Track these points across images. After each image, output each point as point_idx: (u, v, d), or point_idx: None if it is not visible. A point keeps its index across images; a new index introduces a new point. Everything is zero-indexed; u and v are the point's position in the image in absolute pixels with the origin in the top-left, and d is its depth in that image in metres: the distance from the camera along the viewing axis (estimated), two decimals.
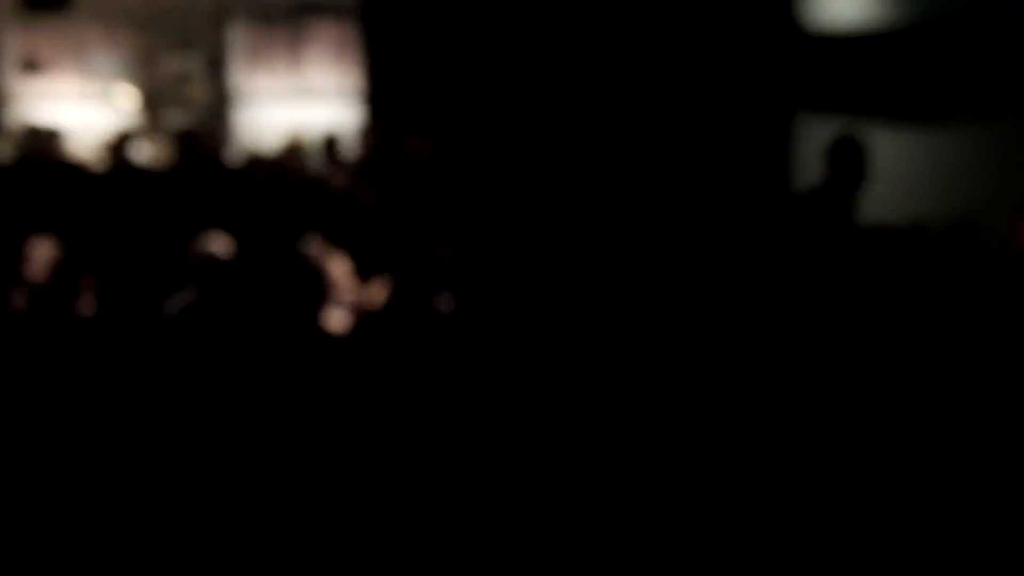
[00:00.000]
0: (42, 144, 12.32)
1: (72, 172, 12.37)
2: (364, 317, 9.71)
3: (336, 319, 9.45)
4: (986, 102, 11.75)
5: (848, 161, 10.45)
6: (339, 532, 7.87)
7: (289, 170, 12.13)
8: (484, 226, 7.70)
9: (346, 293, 9.87)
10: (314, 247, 9.67)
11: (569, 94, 7.07)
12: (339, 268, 9.65)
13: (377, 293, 9.96)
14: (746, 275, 9.01)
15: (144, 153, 13.47)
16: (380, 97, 15.46)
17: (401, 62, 14.74)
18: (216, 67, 16.56)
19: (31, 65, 16.78)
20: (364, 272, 10.05)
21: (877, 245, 10.41)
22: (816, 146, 10.61)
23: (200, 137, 11.94)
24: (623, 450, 7.95)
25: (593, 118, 7.17)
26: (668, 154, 7.37)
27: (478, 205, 7.63)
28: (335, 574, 7.74)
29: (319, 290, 9.49)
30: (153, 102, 16.78)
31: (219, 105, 16.60)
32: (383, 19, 15.37)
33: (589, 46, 7.00)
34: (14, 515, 7.94)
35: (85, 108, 17.29)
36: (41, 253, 10.31)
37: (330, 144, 12.88)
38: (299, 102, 16.83)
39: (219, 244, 9.59)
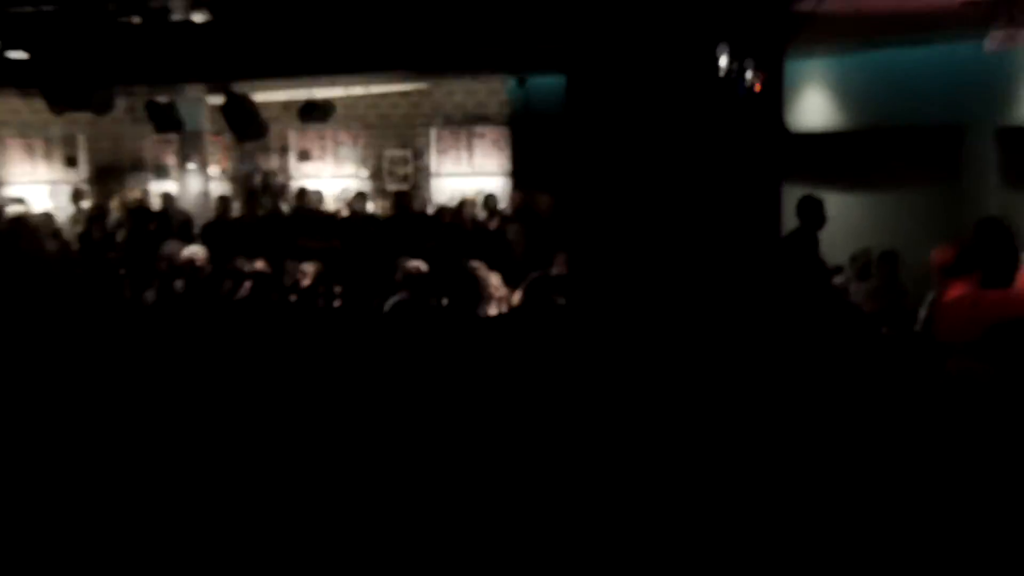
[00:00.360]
0: (309, 201, 12.08)
1: (328, 219, 12.19)
2: (510, 310, 9.68)
3: (492, 311, 9.58)
4: (904, 178, 12.17)
5: (811, 212, 10.59)
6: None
7: (463, 217, 11.89)
8: (584, 251, 7.63)
9: (499, 296, 9.88)
10: (478, 266, 9.30)
11: (633, 173, 7.03)
12: (494, 280, 9.94)
13: (517, 295, 9.95)
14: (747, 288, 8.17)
15: (372, 207, 13.28)
16: (519, 172, 15.34)
17: (532, 151, 14.58)
18: (419, 155, 16.38)
19: (304, 155, 16.56)
20: (510, 282, 10.11)
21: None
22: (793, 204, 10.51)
23: (408, 197, 11.91)
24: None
25: (652, 187, 7.07)
26: (702, 212, 7.30)
27: (581, 238, 7.63)
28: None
29: (480, 294, 9.53)
30: (379, 176, 16.53)
31: (421, 178, 16.26)
32: (522, 126, 15.04)
33: (648, 148, 7.00)
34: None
35: (337, 181, 16.39)
36: (308, 270, 9.50)
37: (488, 200, 12.86)
38: (470, 177, 16.14)
39: (418, 263, 9.07)
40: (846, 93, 12.59)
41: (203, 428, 7.31)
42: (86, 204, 16.95)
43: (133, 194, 17.54)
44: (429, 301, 9.56)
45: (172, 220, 13.94)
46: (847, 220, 12.18)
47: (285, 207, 15.23)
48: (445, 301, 9.79)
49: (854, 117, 12.66)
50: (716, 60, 7.42)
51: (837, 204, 11.53)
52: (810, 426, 6.71)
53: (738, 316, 7.96)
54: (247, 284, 9.85)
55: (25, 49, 10.88)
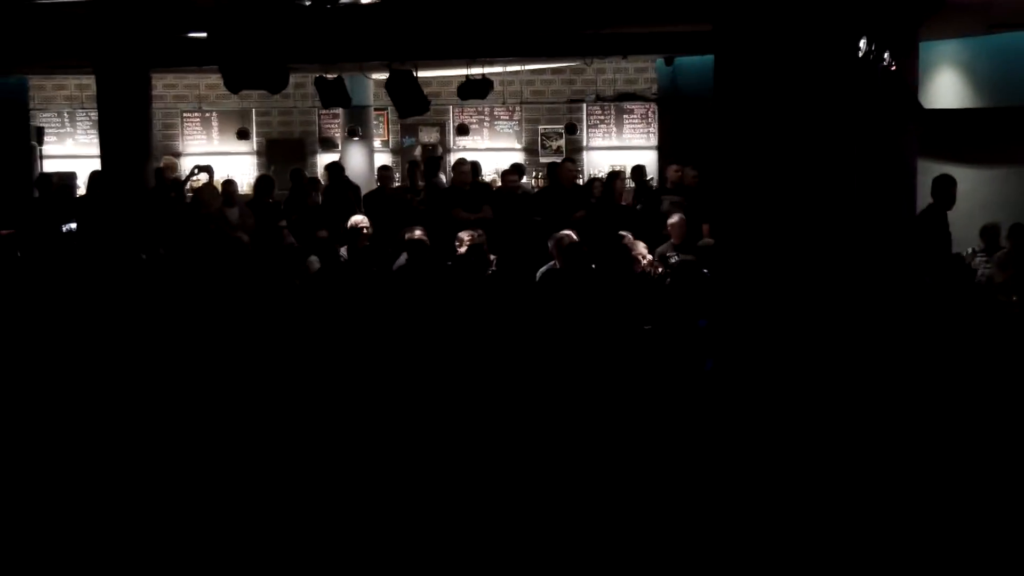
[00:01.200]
0: (465, 172, 12.15)
1: (484, 190, 12.27)
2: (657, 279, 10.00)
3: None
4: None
5: (944, 191, 10.57)
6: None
7: (614, 189, 11.91)
8: (729, 225, 7.63)
9: (646, 264, 10.10)
10: (626, 235, 9.38)
11: (776, 150, 7.06)
12: (641, 248, 10.27)
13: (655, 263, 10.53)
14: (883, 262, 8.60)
15: (526, 178, 13.47)
16: (666, 147, 15.39)
17: (678, 127, 14.68)
18: (571, 130, 16.62)
19: (463, 130, 16.84)
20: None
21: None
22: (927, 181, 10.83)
23: (559, 169, 11.88)
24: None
25: (795, 164, 7.08)
26: (842, 188, 7.27)
27: (725, 212, 7.64)
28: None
29: (630, 259, 9.77)
30: (533, 150, 16.83)
31: (572, 152, 16.61)
32: (669, 103, 15.22)
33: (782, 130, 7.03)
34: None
35: (494, 154, 16.55)
36: (465, 238, 9.70)
37: (637, 171, 12.85)
38: (619, 151, 16.49)
39: (569, 233, 9.02)
40: (977, 73, 12.50)
41: (362, 392, 7.46)
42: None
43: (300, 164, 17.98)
44: (580, 269, 9.57)
45: (339, 189, 14.29)
46: (978, 195, 12.36)
47: (443, 178, 15.48)
48: (593, 269, 9.91)
49: (985, 96, 12.56)
50: (856, 42, 7.51)
51: (968, 179, 11.65)
52: (945, 400, 6.69)
53: (873, 288, 7.98)
54: (405, 252, 10.06)
55: (204, 29, 11.29)
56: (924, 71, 11.90)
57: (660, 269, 10.46)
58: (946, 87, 12.82)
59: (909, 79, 8.70)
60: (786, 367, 6.91)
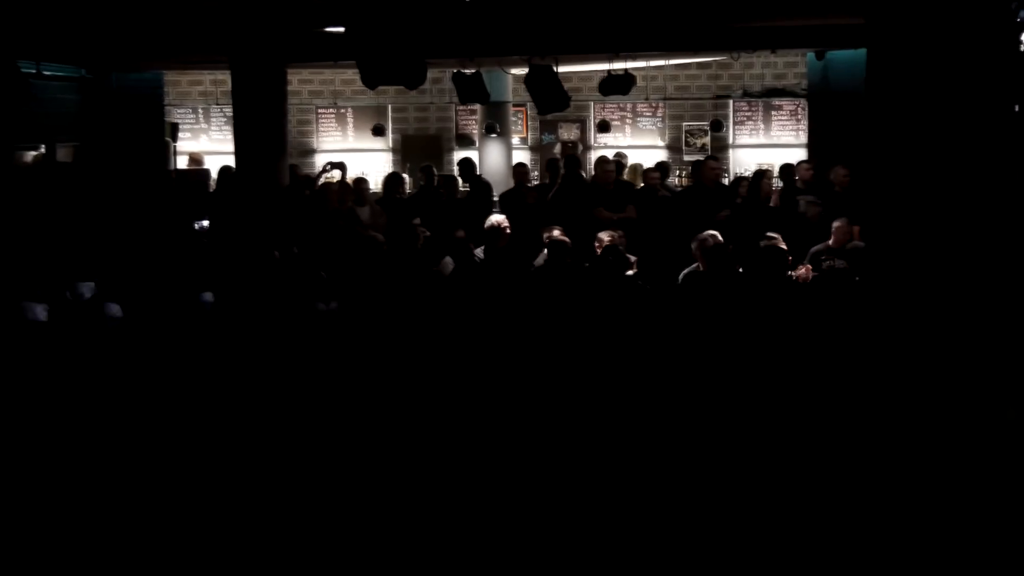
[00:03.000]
0: (609, 171, 12.15)
1: (625, 188, 12.27)
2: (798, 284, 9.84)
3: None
4: None
5: None
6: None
7: (760, 189, 11.81)
8: (882, 225, 7.47)
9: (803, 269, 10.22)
10: (776, 238, 9.35)
11: (933, 148, 6.91)
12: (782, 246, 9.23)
13: (802, 269, 10.30)
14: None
15: (671, 178, 13.45)
16: (816, 145, 15.25)
17: (830, 124, 14.53)
18: (717, 127, 16.59)
19: (604, 126, 16.88)
20: (796, 254, 10.42)
21: None
22: None
23: (703, 167, 11.86)
24: None
25: (952, 163, 6.93)
26: (1002, 189, 7.10)
27: (878, 212, 7.50)
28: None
29: (782, 266, 9.45)
30: (677, 147, 16.86)
31: (717, 150, 16.57)
32: (820, 99, 15.07)
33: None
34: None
35: (636, 152, 16.63)
36: (604, 238, 9.66)
37: (785, 170, 12.76)
38: (766, 148, 16.40)
39: (713, 234, 9.02)
40: None
41: (497, 394, 7.57)
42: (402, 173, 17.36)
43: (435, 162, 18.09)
44: (725, 272, 9.52)
45: (472, 188, 14.41)
46: None
47: (583, 176, 15.52)
48: (741, 272, 9.85)
49: None
50: (1018, 34, 7.38)
51: None
52: None
53: None
54: (544, 251, 10.10)
55: (342, 24, 11.46)
56: None
57: (812, 274, 10.23)
58: None
59: None
60: (940, 381, 6.74)
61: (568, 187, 13.83)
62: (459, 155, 19.53)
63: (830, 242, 11.26)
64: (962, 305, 6.80)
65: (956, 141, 6.82)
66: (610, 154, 16.25)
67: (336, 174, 14.27)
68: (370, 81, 10.82)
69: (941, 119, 6.86)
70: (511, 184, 14.84)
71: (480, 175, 14.86)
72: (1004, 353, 6.81)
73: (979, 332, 6.80)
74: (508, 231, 10.81)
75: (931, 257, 6.91)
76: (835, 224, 11.39)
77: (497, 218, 10.90)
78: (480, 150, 18.75)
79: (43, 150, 16.48)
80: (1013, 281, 7.08)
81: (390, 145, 20.47)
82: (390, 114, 20.48)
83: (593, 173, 13.93)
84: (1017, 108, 7.56)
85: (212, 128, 20.63)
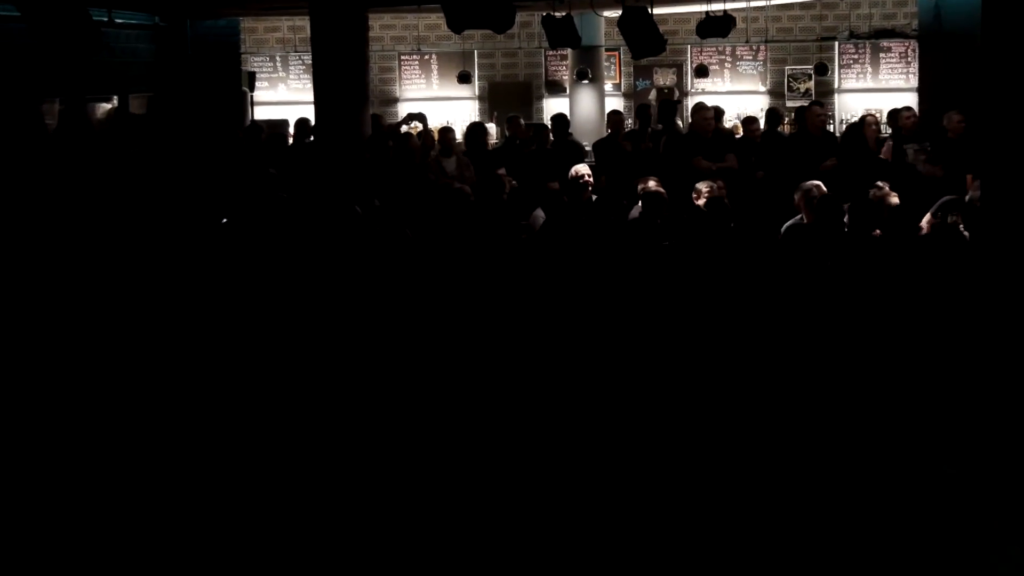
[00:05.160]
0: (707, 118, 12.06)
1: (725, 137, 12.25)
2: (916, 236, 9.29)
3: None
4: None
5: None
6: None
7: (865, 136, 11.69)
8: (998, 175, 7.36)
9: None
10: (882, 186, 9.17)
11: None
12: (894, 201, 9.60)
13: (925, 220, 9.68)
14: None
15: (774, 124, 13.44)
16: (928, 90, 15.10)
17: (943, 67, 14.37)
18: (822, 71, 16.43)
19: (702, 71, 16.84)
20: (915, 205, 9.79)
21: None
22: None
23: (807, 113, 11.78)
24: None
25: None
26: None
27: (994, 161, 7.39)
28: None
29: (880, 218, 9.12)
30: (779, 93, 16.79)
31: (822, 95, 16.51)
32: (933, 40, 14.86)
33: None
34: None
35: (736, 98, 16.56)
36: (703, 189, 9.60)
37: (893, 116, 12.59)
38: (874, 93, 16.27)
39: (817, 184, 8.86)
40: None
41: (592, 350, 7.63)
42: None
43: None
44: (831, 225, 9.43)
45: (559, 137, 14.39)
46: None
47: (681, 124, 15.43)
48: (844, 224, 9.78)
49: None
50: None
51: None
52: None
53: None
54: (638, 204, 10.08)
55: None
56: None
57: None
58: None
59: None
60: None
61: (664, 135, 13.78)
62: (549, 103, 19.56)
63: (973, 194, 10.75)
64: None
65: None
66: (709, 101, 16.11)
67: (417, 125, 14.33)
68: (456, 25, 10.81)
69: None
70: (604, 133, 14.82)
71: (571, 135, 14.83)
72: None
73: None
74: (591, 182, 10.76)
75: None
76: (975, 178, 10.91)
77: (581, 168, 10.86)
78: (571, 97, 18.74)
79: (116, 102, 16.60)
80: None
81: (477, 93, 20.55)
82: (477, 60, 20.55)
83: (690, 120, 13.93)
84: None
85: (291, 77, 20.88)
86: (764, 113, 15.29)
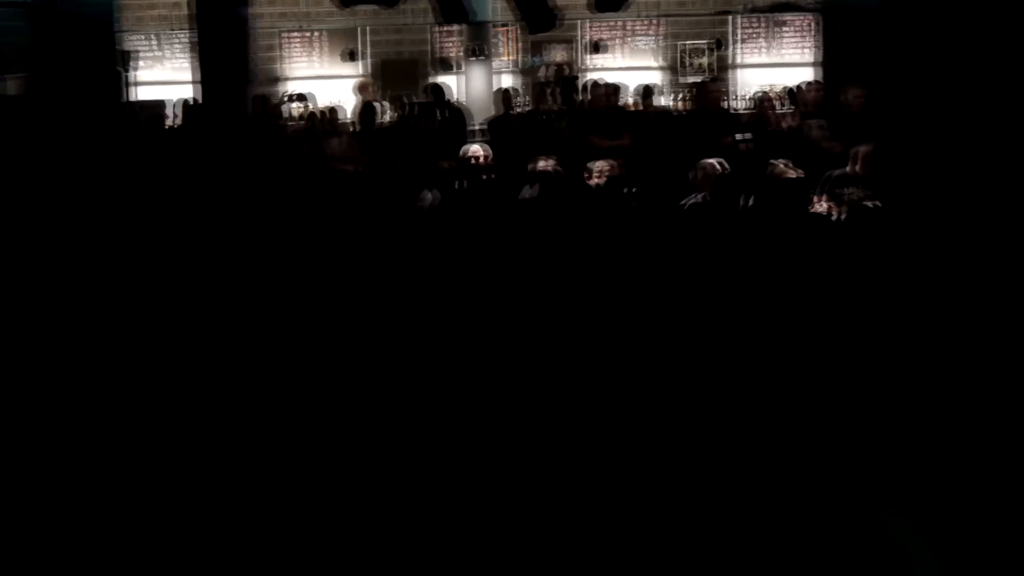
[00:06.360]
0: (601, 95, 12.10)
1: (621, 114, 12.24)
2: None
3: None
4: None
5: None
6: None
7: (764, 113, 11.83)
8: (899, 148, 7.48)
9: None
10: (782, 164, 9.42)
11: (952, 66, 6.90)
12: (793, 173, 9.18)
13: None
14: None
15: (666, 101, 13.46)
16: (830, 64, 15.25)
17: (844, 41, 14.52)
18: (719, 46, 16.34)
19: (597, 47, 16.80)
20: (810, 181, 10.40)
21: None
22: None
23: (707, 90, 11.86)
24: None
25: (971, 81, 6.92)
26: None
27: (892, 130, 7.50)
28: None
29: (782, 195, 9.33)
30: (674, 68, 16.67)
31: (720, 71, 16.36)
32: (835, 13, 15.00)
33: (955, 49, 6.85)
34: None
35: (632, 74, 16.55)
36: (600, 168, 9.58)
37: (793, 92, 12.78)
38: (774, 69, 16.29)
39: (718, 161, 8.98)
40: None
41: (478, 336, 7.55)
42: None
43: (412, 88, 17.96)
44: (728, 202, 9.49)
45: (450, 115, 14.31)
46: None
47: (575, 102, 15.46)
48: (744, 203, 9.83)
49: None
50: None
51: None
52: None
53: None
54: (535, 184, 10.06)
55: None
56: None
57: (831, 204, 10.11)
58: None
59: None
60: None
61: (559, 113, 13.78)
62: (440, 80, 19.46)
63: (849, 169, 10.91)
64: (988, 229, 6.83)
65: (976, 59, 6.79)
66: (604, 77, 16.11)
67: (299, 106, 14.17)
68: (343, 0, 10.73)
69: (962, 35, 6.83)
70: (496, 111, 14.80)
71: (448, 101, 14.77)
72: None
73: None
74: (487, 162, 10.73)
75: (949, 178, 6.90)
76: (861, 149, 11.06)
77: (474, 148, 10.82)
78: (463, 75, 18.66)
79: None
80: None
81: (364, 71, 20.32)
82: (364, 37, 20.34)
83: (586, 98, 13.94)
84: None
85: (171, 56, 20.49)
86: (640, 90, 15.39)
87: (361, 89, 16.38)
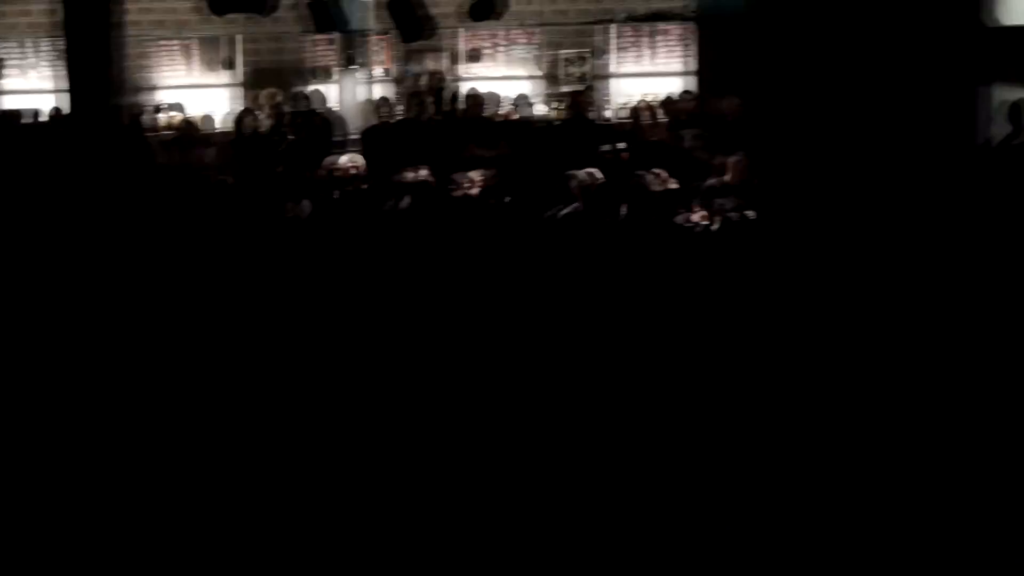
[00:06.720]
0: (478, 105, 12.16)
1: (498, 124, 12.32)
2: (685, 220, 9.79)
3: None
4: None
5: (1019, 119, 10.79)
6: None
7: (640, 122, 11.92)
8: (772, 158, 7.62)
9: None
10: (660, 173, 9.47)
11: (823, 75, 7.04)
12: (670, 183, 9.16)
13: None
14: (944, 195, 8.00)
15: (544, 109, 13.56)
16: (706, 73, 15.38)
17: (721, 51, 14.69)
18: (598, 55, 16.45)
19: (474, 56, 16.80)
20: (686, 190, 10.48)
21: None
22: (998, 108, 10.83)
23: (584, 99, 11.93)
24: None
25: (843, 90, 7.05)
26: (895, 116, 7.22)
27: (766, 139, 7.66)
28: None
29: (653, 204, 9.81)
30: (553, 78, 16.73)
31: (599, 79, 16.46)
32: (711, 23, 15.16)
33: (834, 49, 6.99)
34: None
35: (510, 83, 16.46)
36: (476, 178, 9.68)
37: (669, 101, 12.91)
38: (652, 78, 16.41)
39: (593, 171, 9.00)
40: None
41: (357, 345, 7.63)
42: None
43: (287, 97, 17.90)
44: (604, 212, 9.57)
45: (323, 124, 14.25)
46: None
47: (452, 111, 15.49)
48: (618, 213, 9.93)
49: None
50: None
51: None
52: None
53: (934, 226, 7.84)
54: (409, 195, 10.09)
55: None
56: None
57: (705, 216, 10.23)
58: None
59: None
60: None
61: (436, 123, 13.82)
62: (315, 89, 19.40)
63: (726, 178, 11.04)
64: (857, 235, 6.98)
65: (844, 64, 6.94)
66: (482, 86, 16.28)
67: (174, 115, 14.06)
68: (218, 8, 10.67)
69: (828, 44, 6.96)
70: (373, 120, 14.77)
71: (314, 111, 14.71)
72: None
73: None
74: (361, 172, 10.73)
75: (821, 186, 7.03)
76: (732, 159, 11.26)
77: (344, 158, 10.81)
78: (339, 83, 18.55)
79: None
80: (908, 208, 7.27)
81: (241, 80, 20.16)
82: (240, 46, 20.20)
83: (464, 107, 13.97)
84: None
85: (42, 64, 20.11)
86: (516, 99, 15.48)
87: (268, 98, 16.26)
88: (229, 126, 16.22)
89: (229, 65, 19.51)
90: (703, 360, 7.24)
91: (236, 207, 9.78)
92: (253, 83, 20.07)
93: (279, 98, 16.61)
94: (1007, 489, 5.70)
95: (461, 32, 19.70)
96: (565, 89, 18.83)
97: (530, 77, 19.60)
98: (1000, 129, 10.71)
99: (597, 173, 9.89)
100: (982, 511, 5.53)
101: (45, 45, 19.78)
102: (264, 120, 16.32)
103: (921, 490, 5.72)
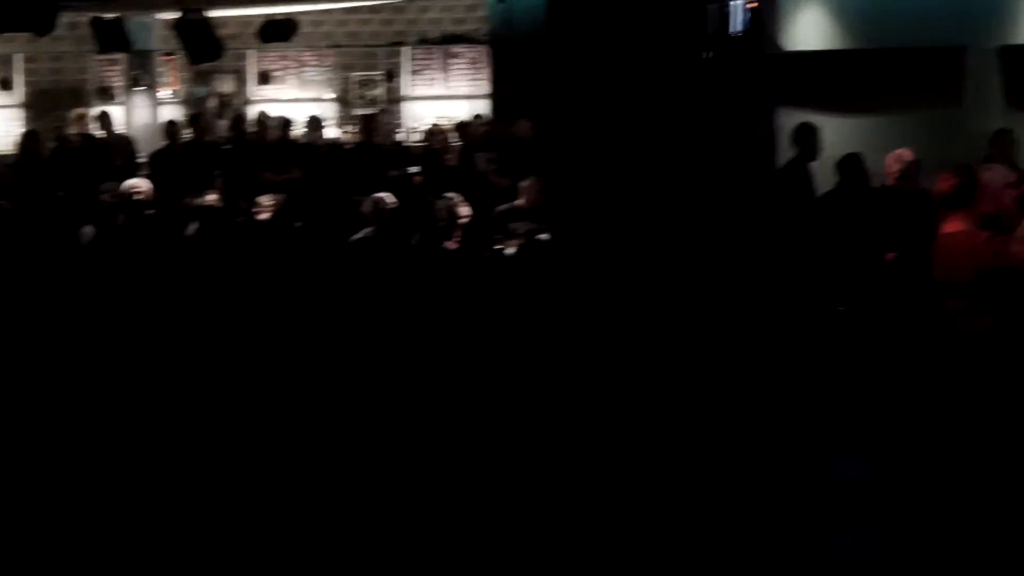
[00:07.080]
0: (273, 128, 12.04)
1: (289, 147, 12.18)
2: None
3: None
4: (904, 101, 12.12)
5: (806, 141, 10.96)
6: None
7: (434, 146, 11.89)
8: (563, 180, 7.67)
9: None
10: (454, 197, 9.40)
11: (614, 98, 7.09)
12: (465, 212, 9.88)
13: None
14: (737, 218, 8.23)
15: (336, 132, 13.46)
16: (500, 96, 15.50)
17: (514, 73, 14.80)
18: (391, 77, 16.47)
19: (265, 78, 16.70)
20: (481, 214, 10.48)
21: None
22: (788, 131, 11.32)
23: (377, 122, 11.87)
24: None
25: (634, 113, 7.11)
26: (687, 138, 7.31)
27: (559, 161, 7.73)
28: None
29: (450, 230, 9.53)
30: (345, 100, 16.68)
31: (392, 102, 16.48)
32: (504, 46, 15.29)
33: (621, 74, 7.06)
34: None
35: (301, 105, 16.49)
36: (266, 203, 9.56)
37: (463, 125, 12.89)
38: (445, 101, 16.47)
39: (386, 196, 8.92)
40: (845, 12, 12.60)
41: (142, 380, 7.37)
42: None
43: (72, 119, 17.53)
44: (397, 236, 9.53)
45: (110, 147, 13.95)
46: (846, 145, 12.32)
47: (242, 133, 15.34)
48: (413, 237, 9.88)
49: (853, 37, 12.60)
50: None
51: (835, 129, 11.73)
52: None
53: (727, 250, 8.02)
54: (196, 220, 9.91)
55: None
56: (786, 9, 12.27)
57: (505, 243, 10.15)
58: (811, 27, 12.92)
59: (770, 18, 8.80)
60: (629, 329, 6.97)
61: (225, 146, 13.66)
62: (99, 110, 19.04)
63: (519, 202, 11.20)
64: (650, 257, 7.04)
65: (635, 87, 6.99)
66: (273, 109, 16.04)
67: None
68: None
69: (620, 66, 7.01)
70: (159, 142, 14.55)
71: (90, 135, 14.45)
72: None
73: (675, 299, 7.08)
74: (145, 196, 10.52)
75: (614, 209, 7.09)
76: (525, 183, 11.43)
77: (133, 181, 10.60)
78: (125, 104, 18.21)
79: None
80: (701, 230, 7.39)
81: (20, 100, 19.66)
82: (19, 65, 19.65)
83: (253, 131, 13.84)
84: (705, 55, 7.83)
85: None
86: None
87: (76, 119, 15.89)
88: (7, 148, 15.86)
89: (5, 86, 19.04)
90: (484, 383, 7.16)
91: (14, 233, 9.54)
92: (33, 104, 19.62)
93: (87, 118, 16.29)
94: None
95: (252, 53, 19.53)
96: (357, 112, 18.98)
97: (322, 99, 19.51)
98: (785, 151, 11.00)
99: (389, 197, 9.84)
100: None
101: None
102: (46, 142, 16.01)
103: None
